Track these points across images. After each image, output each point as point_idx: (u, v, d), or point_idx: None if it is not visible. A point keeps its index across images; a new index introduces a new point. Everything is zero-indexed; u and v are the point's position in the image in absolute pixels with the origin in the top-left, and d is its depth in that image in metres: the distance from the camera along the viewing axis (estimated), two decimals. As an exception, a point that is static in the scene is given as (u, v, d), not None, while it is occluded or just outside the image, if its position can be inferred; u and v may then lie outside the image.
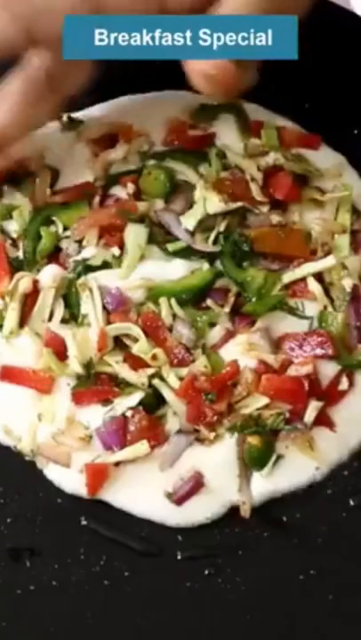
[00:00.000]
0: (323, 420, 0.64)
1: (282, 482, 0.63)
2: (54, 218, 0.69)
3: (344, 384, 0.65)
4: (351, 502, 0.63)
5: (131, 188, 0.69)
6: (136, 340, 0.65)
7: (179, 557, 0.62)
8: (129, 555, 0.62)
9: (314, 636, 0.60)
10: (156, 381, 0.64)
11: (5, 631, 0.60)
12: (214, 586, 0.61)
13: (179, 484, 0.62)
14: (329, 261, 0.67)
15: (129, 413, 0.63)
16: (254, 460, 0.62)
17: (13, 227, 0.70)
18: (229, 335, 0.66)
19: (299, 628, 0.60)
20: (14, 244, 0.69)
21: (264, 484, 0.63)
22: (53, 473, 0.64)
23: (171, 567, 0.61)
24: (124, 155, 0.71)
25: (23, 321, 0.67)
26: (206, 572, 0.61)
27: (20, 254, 0.69)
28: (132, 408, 0.63)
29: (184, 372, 0.64)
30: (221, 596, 0.61)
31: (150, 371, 0.64)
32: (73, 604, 0.61)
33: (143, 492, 0.63)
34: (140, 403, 0.63)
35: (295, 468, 0.63)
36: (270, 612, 0.60)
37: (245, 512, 0.61)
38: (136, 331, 0.64)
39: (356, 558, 0.62)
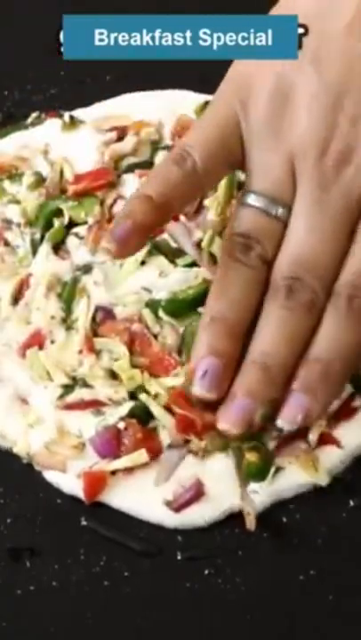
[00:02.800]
0: (328, 438, 0.63)
1: (286, 491, 0.63)
2: (63, 208, 0.69)
3: (358, 401, 0.64)
4: (351, 503, 0.63)
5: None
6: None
7: (179, 558, 0.62)
8: (129, 555, 0.62)
9: (314, 636, 0.60)
10: (142, 396, 0.64)
11: (5, 631, 0.60)
12: (214, 586, 0.61)
13: (179, 491, 0.62)
14: None
15: (122, 424, 0.63)
16: (254, 476, 0.61)
17: (14, 214, 0.70)
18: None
19: (299, 628, 0.60)
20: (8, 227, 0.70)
21: (266, 493, 0.62)
22: (51, 476, 0.63)
23: (171, 567, 0.61)
24: (134, 146, 0.72)
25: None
26: (206, 572, 0.61)
27: (19, 242, 0.69)
28: (124, 419, 0.63)
29: (170, 382, 0.63)
30: (221, 597, 0.61)
31: (131, 385, 0.64)
32: (73, 604, 0.60)
33: (142, 497, 0.62)
34: (133, 415, 0.63)
35: (299, 477, 0.63)
36: (270, 613, 0.60)
37: (251, 524, 0.61)
38: (121, 349, 0.64)
39: (356, 559, 0.61)
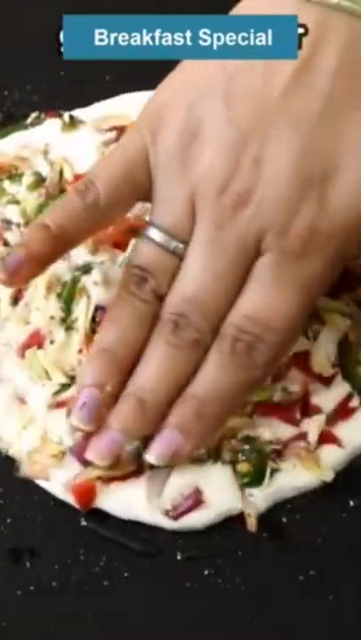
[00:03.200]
0: (328, 437, 0.63)
1: (287, 492, 0.63)
2: None
3: (355, 401, 0.64)
4: (351, 503, 0.63)
5: None
6: None
7: (178, 558, 0.62)
8: (129, 555, 0.62)
9: (314, 636, 0.60)
10: None
11: (5, 631, 0.60)
12: (214, 586, 0.61)
13: (178, 499, 0.62)
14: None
15: None
16: (249, 484, 0.62)
17: (14, 214, 0.70)
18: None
19: (299, 628, 0.60)
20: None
21: (266, 495, 0.62)
22: (41, 483, 0.63)
23: (171, 567, 0.61)
24: None
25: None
26: (206, 572, 0.61)
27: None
28: None
29: None
30: (221, 597, 0.61)
31: None
32: (73, 604, 0.60)
33: (137, 502, 0.62)
34: None
35: (300, 477, 0.63)
36: (270, 612, 0.60)
37: (252, 525, 0.61)
38: None
39: (356, 559, 0.61)
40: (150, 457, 0.58)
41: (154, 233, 0.58)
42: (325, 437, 0.63)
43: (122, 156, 0.60)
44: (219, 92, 0.58)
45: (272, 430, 0.63)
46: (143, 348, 0.58)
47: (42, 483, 0.63)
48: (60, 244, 0.58)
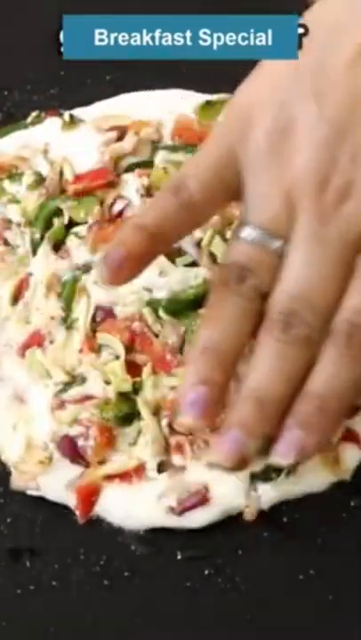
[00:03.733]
0: (350, 435, 0.63)
1: (297, 488, 0.63)
2: (63, 207, 0.69)
3: None
4: (351, 503, 0.63)
5: (145, 181, 0.69)
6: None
7: (179, 557, 0.62)
8: (129, 555, 0.62)
9: (314, 636, 0.60)
10: (139, 400, 0.63)
11: (5, 631, 0.60)
12: (214, 586, 0.61)
13: (184, 495, 0.62)
14: None
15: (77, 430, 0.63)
16: (265, 478, 0.62)
17: (14, 213, 0.70)
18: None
19: (299, 628, 0.60)
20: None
21: (277, 489, 0.62)
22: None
23: (171, 567, 0.61)
24: (133, 146, 0.72)
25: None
26: (206, 572, 0.61)
27: (19, 242, 0.69)
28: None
29: (171, 381, 0.64)
30: (221, 596, 0.61)
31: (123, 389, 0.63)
32: (73, 604, 0.61)
33: (137, 506, 0.62)
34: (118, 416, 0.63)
35: (313, 476, 0.63)
36: (270, 612, 0.60)
37: (250, 515, 0.61)
38: (119, 349, 0.64)
39: (356, 558, 0.61)
40: (276, 457, 0.56)
41: (250, 232, 0.57)
42: (348, 436, 0.63)
43: (212, 157, 0.59)
44: (308, 88, 0.58)
45: None
46: (245, 346, 0.57)
47: (35, 492, 0.63)
48: (157, 243, 0.57)
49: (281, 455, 0.55)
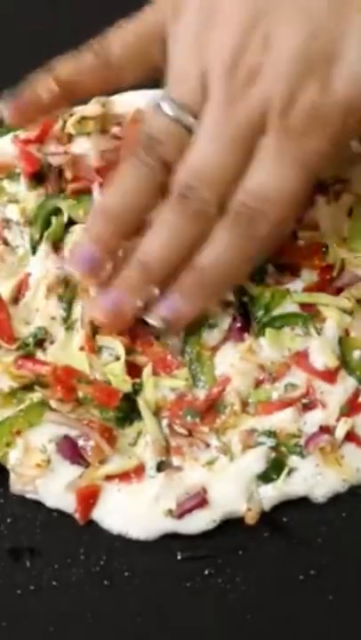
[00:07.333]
0: (354, 437, 0.63)
1: (299, 489, 0.63)
2: (62, 207, 0.69)
3: None
4: (352, 503, 0.63)
5: None
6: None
7: (179, 557, 0.62)
8: (129, 555, 0.62)
9: (314, 636, 0.60)
10: (140, 401, 0.63)
11: (5, 631, 0.60)
12: (214, 586, 0.61)
13: (183, 497, 0.61)
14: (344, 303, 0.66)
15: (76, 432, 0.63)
16: (265, 479, 0.62)
17: (14, 213, 0.70)
18: (227, 338, 0.65)
19: (299, 627, 0.60)
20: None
21: (278, 490, 0.62)
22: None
23: (171, 567, 0.61)
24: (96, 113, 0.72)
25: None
26: (206, 572, 0.61)
27: (19, 242, 0.69)
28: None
29: (167, 382, 0.64)
30: (221, 596, 0.61)
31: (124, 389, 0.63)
32: (73, 604, 0.60)
33: (137, 513, 0.62)
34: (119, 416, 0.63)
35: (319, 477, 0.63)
36: (270, 612, 0.60)
37: (252, 519, 0.61)
38: (120, 350, 0.64)
39: (356, 558, 0.61)
40: (151, 317, 0.60)
41: (166, 106, 0.60)
42: (350, 436, 0.63)
43: (140, 27, 0.62)
44: None
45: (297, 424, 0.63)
46: (145, 215, 0.60)
47: (33, 496, 0.63)
48: (64, 93, 0.62)
49: (156, 315, 0.60)
